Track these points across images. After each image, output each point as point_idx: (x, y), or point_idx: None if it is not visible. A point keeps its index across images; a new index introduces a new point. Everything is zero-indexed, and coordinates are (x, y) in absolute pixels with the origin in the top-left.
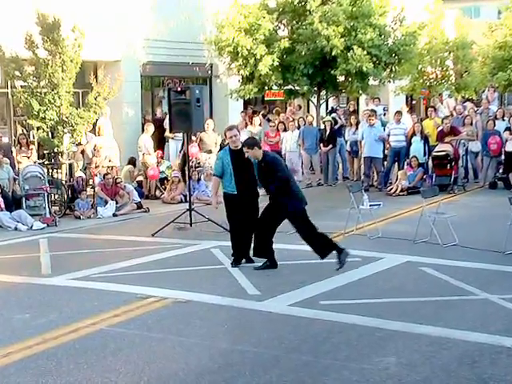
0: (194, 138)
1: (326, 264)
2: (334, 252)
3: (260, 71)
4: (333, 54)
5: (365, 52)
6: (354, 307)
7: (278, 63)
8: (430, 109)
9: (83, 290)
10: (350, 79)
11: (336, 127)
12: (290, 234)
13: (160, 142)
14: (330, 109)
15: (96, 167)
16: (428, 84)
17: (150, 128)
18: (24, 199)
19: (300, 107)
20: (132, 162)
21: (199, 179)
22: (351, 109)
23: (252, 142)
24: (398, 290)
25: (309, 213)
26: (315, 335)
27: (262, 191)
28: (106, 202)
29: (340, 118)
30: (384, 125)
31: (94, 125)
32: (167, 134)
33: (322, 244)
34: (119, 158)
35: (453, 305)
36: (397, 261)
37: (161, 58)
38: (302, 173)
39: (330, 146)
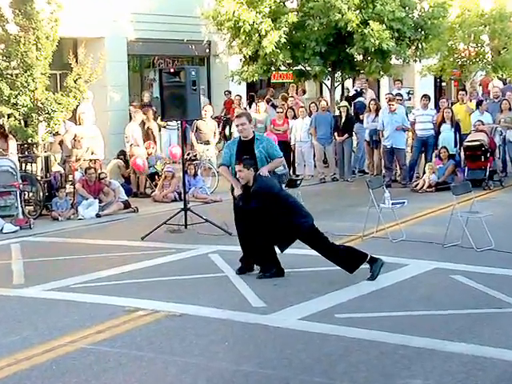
0: (188, 126)
1: (342, 271)
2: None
3: (265, 49)
4: (348, 29)
5: (384, 26)
6: (374, 321)
7: (285, 40)
8: (460, 92)
9: (62, 303)
10: (368, 58)
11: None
12: None
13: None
14: (353, 92)
15: (76, 160)
16: (460, 63)
17: (139, 115)
18: None
19: (304, 92)
20: (121, 155)
21: (196, 174)
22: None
23: (251, 163)
24: (425, 302)
25: (322, 212)
26: (330, 354)
27: None
28: (88, 201)
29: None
30: (408, 112)
31: (74, 112)
32: (158, 122)
33: (345, 257)
34: (103, 149)
35: (488, 318)
36: (423, 268)
37: (151, 35)
38: (315, 166)
39: (346, 135)
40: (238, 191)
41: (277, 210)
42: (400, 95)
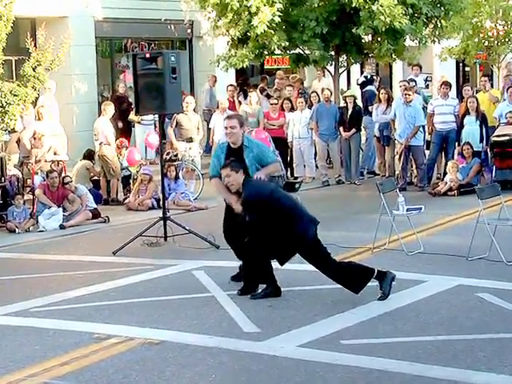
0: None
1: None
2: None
3: (256, 30)
4: (353, 5)
5: (396, 1)
6: (386, 348)
7: (280, 19)
8: (483, 78)
9: (20, 330)
10: (378, 39)
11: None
12: None
13: (127, 127)
14: (362, 79)
15: (36, 162)
16: (486, 44)
17: (109, 109)
18: None
19: (301, 81)
20: (89, 155)
21: (177, 177)
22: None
23: (239, 165)
24: (447, 325)
25: (325, 221)
26: None
27: None
28: (49, 209)
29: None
30: (426, 101)
31: (34, 105)
32: (132, 116)
33: (348, 275)
34: (66, 149)
35: None
36: (444, 285)
37: (123, 14)
38: (316, 167)
39: (354, 130)
40: (237, 207)
41: (273, 218)
42: (414, 81)
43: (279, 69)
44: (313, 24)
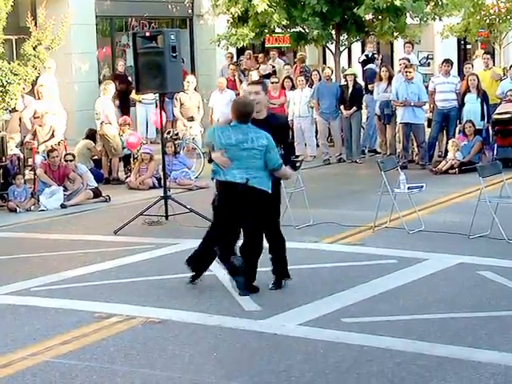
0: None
1: (351, 268)
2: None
3: (256, 8)
4: None
5: None
6: (387, 326)
7: None
8: (485, 55)
9: (20, 309)
10: (379, 17)
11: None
12: (299, 229)
13: (124, 106)
14: (363, 57)
15: (38, 142)
16: (488, 22)
17: (110, 88)
18: None
19: (303, 60)
20: (91, 135)
21: (176, 152)
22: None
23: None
24: (448, 303)
25: (326, 199)
26: (336, 365)
27: None
28: (51, 188)
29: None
30: (425, 80)
31: (34, 84)
32: (133, 95)
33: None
34: (66, 128)
35: None
36: (446, 263)
37: None
38: (317, 145)
39: (354, 108)
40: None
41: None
42: (407, 59)
43: (280, 47)
44: (313, 2)
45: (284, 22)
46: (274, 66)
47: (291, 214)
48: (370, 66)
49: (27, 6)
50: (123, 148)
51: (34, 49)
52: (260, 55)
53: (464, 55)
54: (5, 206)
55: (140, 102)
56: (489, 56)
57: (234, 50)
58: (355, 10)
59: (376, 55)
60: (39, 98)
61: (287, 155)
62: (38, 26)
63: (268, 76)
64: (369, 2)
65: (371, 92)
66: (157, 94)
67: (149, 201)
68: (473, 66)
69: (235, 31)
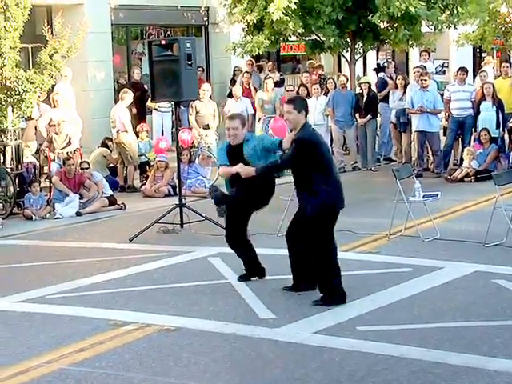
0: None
1: (367, 276)
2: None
3: (272, 16)
4: None
5: None
6: (403, 335)
7: (295, 6)
8: (504, 64)
9: (36, 317)
10: (394, 25)
11: (385, 92)
12: None
13: (141, 114)
14: (375, 66)
15: (54, 150)
16: (503, 29)
17: (127, 96)
18: None
19: (322, 68)
20: (106, 143)
21: (191, 161)
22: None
23: (302, 104)
24: (463, 311)
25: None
26: (351, 373)
27: None
28: (68, 197)
29: (391, 78)
30: (439, 87)
31: (49, 92)
32: (149, 103)
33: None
34: (81, 136)
35: None
36: (461, 271)
37: (139, 1)
38: (333, 153)
39: (369, 116)
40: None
41: (307, 168)
42: (424, 67)
43: (295, 56)
44: (328, 10)
45: (300, 30)
46: (281, 75)
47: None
48: (380, 74)
49: (43, 15)
50: (140, 155)
51: (50, 57)
52: (269, 63)
53: (479, 63)
54: (21, 213)
55: (156, 109)
56: (508, 64)
57: (248, 58)
58: (370, 18)
59: (386, 64)
60: (55, 106)
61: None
62: (54, 35)
63: (277, 84)
64: (383, 9)
65: (384, 100)
66: (173, 102)
67: (164, 209)
68: (488, 73)
69: (251, 39)
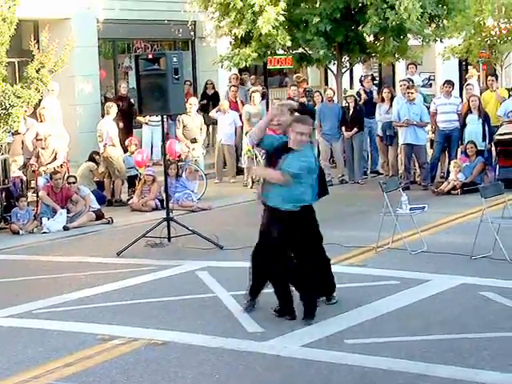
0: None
1: (354, 289)
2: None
3: (260, 30)
4: (360, 1)
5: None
6: (390, 347)
7: (284, 18)
8: (490, 77)
9: (23, 332)
10: (382, 38)
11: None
12: None
13: (128, 128)
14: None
15: (41, 164)
16: (489, 43)
17: (112, 110)
18: None
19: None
20: (93, 158)
21: (178, 175)
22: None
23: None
24: (451, 324)
25: (328, 220)
26: None
27: None
28: (55, 212)
29: (366, 92)
30: (426, 99)
31: (36, 107)
32: (138, 117)
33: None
34: (68, 150)
35: None
36: (448, 283)
37: (125, 15)
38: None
39: (355, 129)
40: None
41: None
42: (411, 80)
43: (282, 69)
44: (316, 20)
45: (288, 43)
46: (264, 88)
47: None
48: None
49: (30, 29)
50: (130, 168)
51: (37, 72)
52: (252, 77)
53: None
54: (8, 228)
55: (146, 123)
56: (494, 78)
57: (235, 71)
58: (361, 28)
59: (363, 78)
60: (41, 121)
61: None
62: (41, 49)
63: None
64: (374, 20)
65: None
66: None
67: (151, 222)
68: (473, 86)
69: (238, 51)
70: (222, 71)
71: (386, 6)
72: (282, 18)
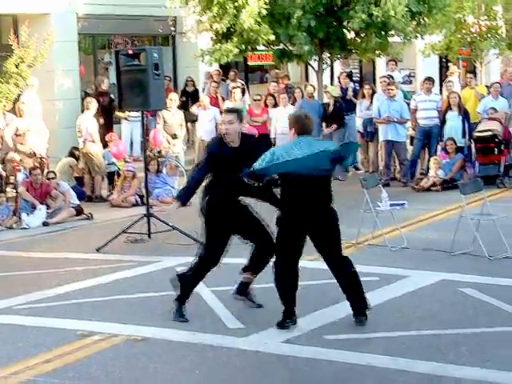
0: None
1: (333, 285)
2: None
3: (244, 25)
4: None
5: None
6: (370, 343)
7: (266, 12)
8: (468, 74)
9: (2, 328)
10: (364, 35)
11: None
12: None
13: (108, 124)
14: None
15: (20, 160)
16: (469, 40)
17: (92, 105)
18: None
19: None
20: (73, 153)
21: (159, 171)
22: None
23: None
24: (430, 320)
25: None
26: (318, 382)
27: None
28: (34, 207)
29: (342, 89)
30: (406, 96)
31: (15, 102)
32: (118, 113)
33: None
34: (47, 145)
35: (504, 338)
36: (427, 280)
37: (106, 10)
38: None
39: (334, 126)
40: None
41: None
42: (391, 77)
43: (262, 65)
44: (299, 13)
45: (271, 38)
46: (243, 84)
47: (273, 231)
48: (330, 87)
49: (9, 24)
50: (109, 164)
51: (16, 67)
52: (231, 73)
53: (446, 73)
54: None
55: (126, 119)
56: (472, 75)
57: (216, 66)
58: (347, 25)
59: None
60: (21, 116)
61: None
62: (20, 44)
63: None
64: (361, 16)
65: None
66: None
67: (131, 218)
68: (453, 83)
69: (219, 46)
70: (202, 66)
71: (371, 2)
72: (264, 12)
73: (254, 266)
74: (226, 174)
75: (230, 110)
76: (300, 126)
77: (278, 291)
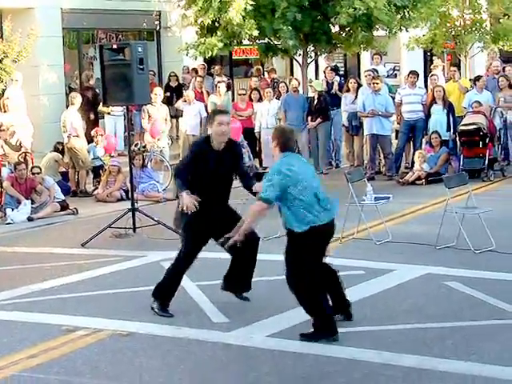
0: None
1: None
2: None
3: (232, 20)
4: None
5: None
6: (355, 337)
7: (251, 7)
8: (452, 68)
9: None
10: (349, 29)
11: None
12: (267, 241)
13: (93, 119)
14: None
15: (4, 154)
16: (453, 33)
17: (77, 100)
18: None
19: (269, 72)
20: (58, 148)
21: (144, 165)
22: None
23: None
24: (415, 313)
25: None
26: (304, 376)
27: None
28: (19, 202)
29: (327, 84)
30: (391, 90)
31: (0, 97)
32: (101, 108)
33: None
34: (32, 140)
35: (489, 332)
36: (413, 273)
37: (90, 4)
38: None
39: (319, 119)
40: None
41: None
42: (376, 71)
43: (247, 59)
44: (284, 5)
45: (255, 33)
46: (229, 79)
47: (258, 225)
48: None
49: None
50: (94, 158)
51: (0, 62)
52: (216, 67)
53: (430, 67)
54: None
55: (109, 114)
56: (455, 68)
57: (200, 60)
58: (333, 20)
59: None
60: (5, 111)
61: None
62: (4, 39)
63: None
64: (348, 11)
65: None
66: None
67: (116, 213)
68: (438, 77)
69: (204, 40)
70: (187, 61)
71: None
72: (249, 7)
73: (231, 287)
74: (204, 184)
75: (224, 111)
76: (285, 141)
77: None
